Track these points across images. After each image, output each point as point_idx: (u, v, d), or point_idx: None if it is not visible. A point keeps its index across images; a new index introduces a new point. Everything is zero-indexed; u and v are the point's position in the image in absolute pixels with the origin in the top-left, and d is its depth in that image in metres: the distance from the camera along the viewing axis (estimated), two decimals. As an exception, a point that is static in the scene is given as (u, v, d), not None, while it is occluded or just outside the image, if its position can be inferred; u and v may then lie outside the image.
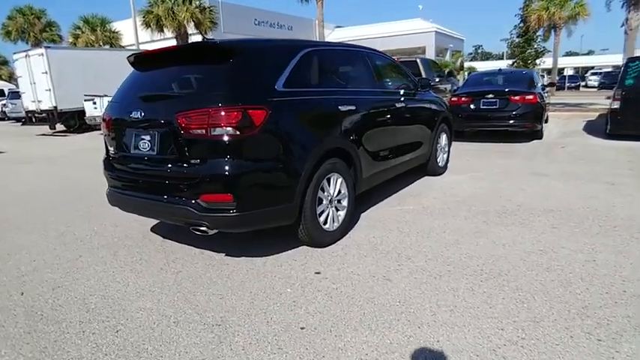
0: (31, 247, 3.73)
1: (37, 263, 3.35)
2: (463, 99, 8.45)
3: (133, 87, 3.26)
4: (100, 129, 14.26)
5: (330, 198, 3.39)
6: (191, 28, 19.86)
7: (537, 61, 28.28)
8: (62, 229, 4.18)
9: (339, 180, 3.46)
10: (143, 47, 20.88)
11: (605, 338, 2.10)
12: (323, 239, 3.34)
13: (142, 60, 3.29)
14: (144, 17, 18.63)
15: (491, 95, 8.18)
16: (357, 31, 38.33)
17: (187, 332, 2.29)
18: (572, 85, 37.00)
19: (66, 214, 4.70)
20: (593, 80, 37.26)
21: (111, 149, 3.36)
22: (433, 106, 5.47)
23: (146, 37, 20.56)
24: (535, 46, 34.86)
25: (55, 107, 14.19)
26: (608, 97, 20.39)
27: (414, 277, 2.84)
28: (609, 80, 34.13)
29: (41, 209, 4.99)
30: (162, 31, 19.07)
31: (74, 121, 14.92)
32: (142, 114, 2.95)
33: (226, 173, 2.69)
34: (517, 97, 8.00)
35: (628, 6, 12.61)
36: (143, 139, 3.01)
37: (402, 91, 4.73)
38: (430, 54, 38.01)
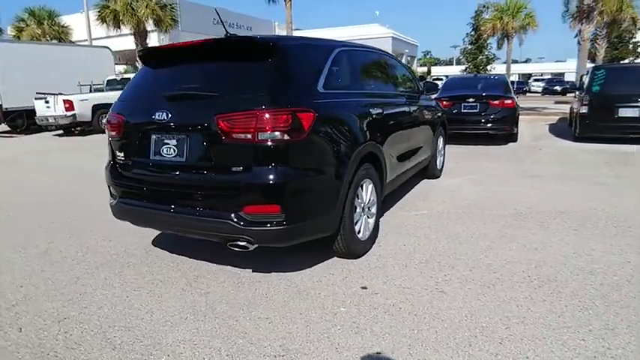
0: (12, 269, 3.17)
1: (27, 289, 2.83)
2: (445, 103, 8.55)
3: (152, 85, 2.86)
4: (54, 129, 13.07)
5: (362, 205, 3.17)
6: (150, 25, 18.76)
7: (488, 67, 29.92)
8: (43, 246, 3.62)
9: (370, 186, 3.26)
10: (97, 43, 19.47)
11: (688, 345, 2.05)
12: (358, 249, 3.11)
13: (159, 55, 2.91)
14: (99, 12, 17.27)
15: (472, 99, 8.35)
16: (315, 35, 38.23)
17: (247, 367, 1.98)
18: (520, 90, 39.46)
19: (42, 227, 4.11)
20: (536, 86, 39.91)
21: (119, 155, 2.91)
22: (434, 109, 5.43)
23: (101, 32, 19.15)
24: (486, 53, 36.84)
25: (0, 105, 12.76)
26: (557, 102, 22.06)
27: (467, 287, 2.69)
28: (551, 86, 36.73)
29: (8, 221, 4.33)
30: (119, 27, 17.81)
31: (22, 121, 13.51)
32: (169, 115, 2.57)
33: (274, 182, 2.40)
34: (496, 102, 8.22)
35: (580, 19, 13.62)
36: (167, 143, 2.63)
37: (413, 94, 4.62)
38: (388, 59, 39.06)
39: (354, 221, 3.01)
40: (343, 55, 3.21)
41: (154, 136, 2.71)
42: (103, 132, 12.89)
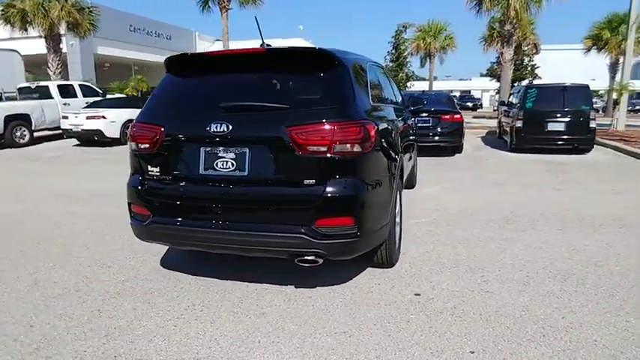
0: (6, 308, 2.71)
1: (43, 329, 2.44)
2: (400, 117, 9.13)
3: (196, 94, 2.68)
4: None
5: (398, 214, 3.30)
6: (63, 29, 17.08)
7: (407, 84, 32.51)
8: (29, 278, 3.14)
9: (398, 195, 3.41)
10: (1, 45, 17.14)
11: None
12: (396, 258, 3.22)
13: (199, 63, 2.74)
14: (3, 11, 15.27)
15: (425, 114, 9.02)
16: (239, 45, 37.30)
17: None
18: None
19: (8, 258, 3.55)
20: (450, 103, 44.15)
21: (153, 170, 2.67)
22: (413, 121, 5.82)
23: (4, 34, 16.92)
24: (406, 71, 39.88)
25: None
26: (475, 117, 24.67)
27: (506, 286, 2.94)
28: (464, 102, 40.87)
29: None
30: (25, 29, 15.92)
31: None
32: (230, 128, 2.44)
33: (348, 194, 2.43)
34: (447, 117, 9.01)
35: (502, 43, 15.66)
36: (223, 157, 2.50)
37: (405, 106, 4.93)
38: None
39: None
40: (372, 68, 3.36)
41: (204, 149, 2.55)
42: (21, 145, 11.47)
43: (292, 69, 2.67)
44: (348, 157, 2.43)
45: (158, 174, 2.67)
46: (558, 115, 9.06)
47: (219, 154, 2.52)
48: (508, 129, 10.27)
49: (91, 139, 11.26)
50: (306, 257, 2.48)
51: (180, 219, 2.63)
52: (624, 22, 19.96)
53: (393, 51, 40.41)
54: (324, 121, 2.39)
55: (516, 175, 7.20)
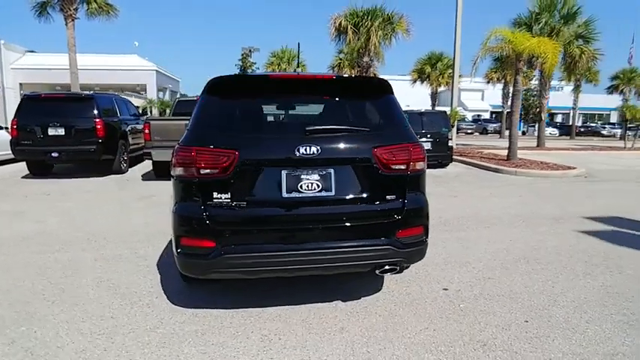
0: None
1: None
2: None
3: (271, 117, 2.60)
4: None
5: None
6: None
7: None
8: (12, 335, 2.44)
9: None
10: None
11: None
12: None
13: (266, 84, 2.70)
14: None
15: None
16: (56, 59, 29.69)
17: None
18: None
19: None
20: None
21: (222, 196, 2.48)
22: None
23: None
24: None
25: None
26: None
27: (530, 276, 3.72)
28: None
29: None
30: None
31: None
32: (318, 150, 2.52)
33: (422, 206, 2.79)
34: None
35: (360, 72, 17.93)
36: (308, 179, 2.54)
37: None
38: (151, 93, 37.94)
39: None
40: None
41: (285, 172, 2.53)
42: None
43: (356, 94, 2.92)
44: (417, 174, 2.80)
45: (228, 200, 2.50)
46: (422, 139, 11.12)
47: (302, 176, 2.55)
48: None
49: None
50: (386, 267, 2.72)
51: (260, 245, 2.53)
52: (440, 60, 25.42)
53: (240, 73, 41.49)
54: (400, 142, 2.73)
55: (456, 187, 8.52)
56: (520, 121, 28.74)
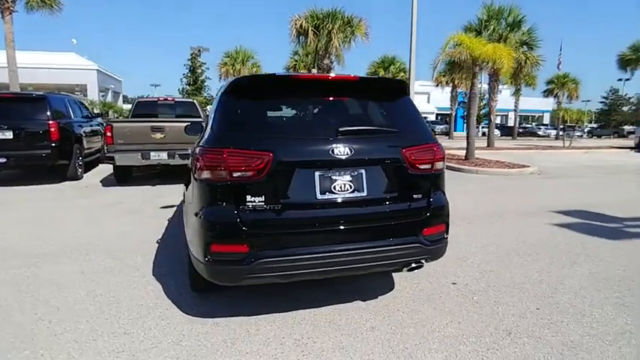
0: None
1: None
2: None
3: (301, 118, 2.56)
4: None
5: None
6: None
7: (207, 108, 33.21)
8: None
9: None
10: None
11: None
12: None
13: (291, 85, 2.69)
14: None
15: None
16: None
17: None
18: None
19: None
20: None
21: (255, 200, 2.42)
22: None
23: None
24: (204, 94, 40.35)
25: None
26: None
27: (494, 264, 3.93)
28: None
29: None
30: None
31: None
32: (352, 151, 2.54)
33: (443, 204, 2.89)
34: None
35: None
36: (340, 180, 2.55)
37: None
38: (92, 93, 35.86)
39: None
40: None
41: (318, 173, 2.52)
42: None
43: (379, 95, 2.97)
44: (439, 173, 2.90)
45: (262, 203, 2.44)
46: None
47: (335, 177, 2.55)
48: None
49: None
50: (413, 265, 2.79)
51: (295, 248, 2.49)
52: (393, 63, 26.26)
53: (189, 74, 40.30)
54: (426, 143, 2.82)
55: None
56: (463, 122, 30.44)
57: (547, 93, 33.90)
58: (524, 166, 11.33)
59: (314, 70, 17.29)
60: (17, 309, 3.01)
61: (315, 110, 2.89)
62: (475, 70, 12.00)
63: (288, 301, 3.06)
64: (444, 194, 2.96)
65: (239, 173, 2.42)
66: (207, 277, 2.58)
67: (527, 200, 7.23)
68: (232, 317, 2.87)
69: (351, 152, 2.55)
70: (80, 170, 9.02)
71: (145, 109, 9.91)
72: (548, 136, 39.54)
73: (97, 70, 37.68)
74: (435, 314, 2.93)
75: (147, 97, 11.01)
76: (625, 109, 55.61)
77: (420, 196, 2.80)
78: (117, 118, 28.53)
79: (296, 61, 24.91)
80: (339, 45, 15.57)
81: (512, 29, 16.20)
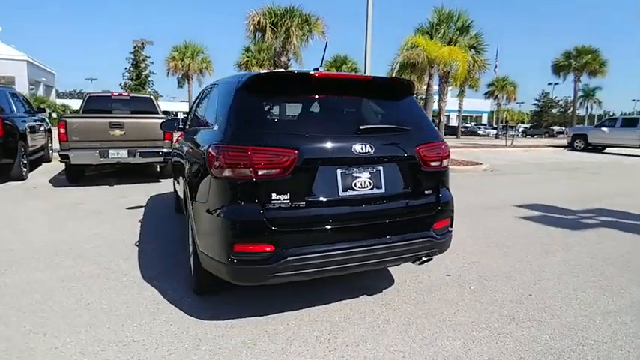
0: None
1: None
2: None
3: (321, 115, 2.58)
4: None
5: None
6: None
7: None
8: None
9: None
10: None
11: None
12: None
13: (308, 83, 2.70)
14: None
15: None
16: None
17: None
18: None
19: None
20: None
21: (280, 198, 2.40)
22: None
23: None
24: (148, 90, 38.61)
25: None
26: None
27: (487, 254, 4.18)
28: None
29: None
30: None
31: None
32: (373, 149, 2.60)
33: (449, 199, 3.04)
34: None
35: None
36: (360, 177, 2.61)
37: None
38: (22, 87, 33.01)
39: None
40: None
41: (340, 171, 2.56)
42: None
43: (391, 94, 3.05)
44: (445, 170, 3.05)
45: (287, 201, 2.43)
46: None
47: (355, 174, 2.60)
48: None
49: None
50: (423, 258, 2.92)
51: (320, 246, 2.50)
52: (345, 62, 26.68)
53: (132, 68, 38.29)
54: (436, 140, 2.96)
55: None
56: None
57: (488, 95, 36.18)
58: (477, 164, 12.04)
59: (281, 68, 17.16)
60: (2, 321, 2.75)
61: (333, 108, 2.93)
62: (431, 72, 12.55)
63: (296, 300, 3.06)
64: (449, 190, 3.12)
65: (264, 171, 2.40)
66: (227, 279, 2.52)
67: (488, 196, 7.72)
68: (244, 318, 2.82)
69: (371, 150, 2.62)
70: (25, 170, 8.31)
71: (97, 104, 9.32)
72: (487, 135, 42.15)
73: (28, 61, 34.73)
74: (441, 304, 3.07)
75: (100, 92, 10.32)
76: (554, 110, 60.73)
77: (430, 192, 2.93)
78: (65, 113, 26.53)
79: (248, 57, 24.54)
80: (297, 42, 15.58)
81: (462, 33, 17.10)
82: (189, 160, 3.36)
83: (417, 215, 2.86)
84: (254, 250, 2.41)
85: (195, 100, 4.89)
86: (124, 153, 7.71)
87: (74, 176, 8.03)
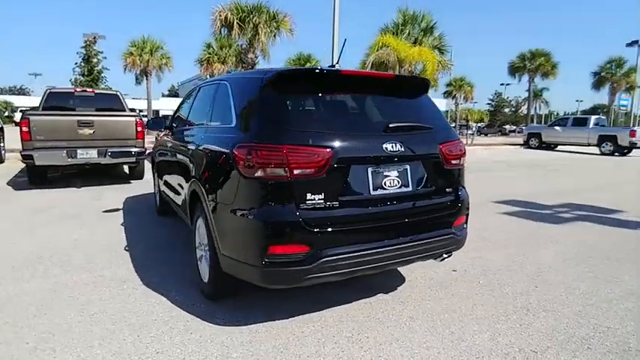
0: None
1: None
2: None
3: (351, 113, 2.56)
4: None
5: None
6: None
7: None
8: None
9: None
10: None
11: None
12: None
13: (336, 81, 2.69)
14: None
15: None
16: None
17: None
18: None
19: None
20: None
21: (315, 197, 2.36)
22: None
23: None
24: (102, 86, 36.85)
25: None
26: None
27: (485, 251, 4.32)
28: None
29: None
30: None
31: None
32: (402, 147, 2.60)
33: (466, 197, 3.11)
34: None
35: (244, 69, 17.51)
36: (388, 175, 2.61)
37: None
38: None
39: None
40: None
41: (370, 169, 2.55)
42: None
43: (412, 93, 3.08)
44: (462, 167, 3.12)
45: (322, 201, 2.39)
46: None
47: (384, 173, 2.61)
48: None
49: None
50: (444, 255, 2.98)
51: (353, 245, 2.47)
52: (309, 61, 26.66)
53: (83, 63, 36.25)
54: (456, 138, 3.03)
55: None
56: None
57: (446, 94, 37.45)
58: (447, 161, 12.42)
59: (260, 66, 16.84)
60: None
61: (360, 106, 2.92)
62: (401, 71, 12.82)
63: (315, 303, 3.02)
64: (465, 187, 3.19)
65: (299, 170, 2.34)
66: (259, 282, 2.44)
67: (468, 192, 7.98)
68: (267, 322, 2.75)
69: (401, 148, 2.63)
70: (-22, 172, 7.66)
71: (58, 100, 8.73)
72: (446, 134, 43.51)
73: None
74: (457, 300, 3.14)
75: (61, 88, 9.67)
76: (506, 110, 63.94)
77: (450, 189, 3.00)
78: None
79: (209, 54, 23.94)
80: (266, 39, 15.38)
81: (426, 34, 17.59)
82: (196, 160, 3.22)
83: (441, 212, 2.92)
84: (290, 252, 2.35)
85: (186, 99, 4.71)
86: (93, 153, 7.31)
87: (37, 178, 7.51)
